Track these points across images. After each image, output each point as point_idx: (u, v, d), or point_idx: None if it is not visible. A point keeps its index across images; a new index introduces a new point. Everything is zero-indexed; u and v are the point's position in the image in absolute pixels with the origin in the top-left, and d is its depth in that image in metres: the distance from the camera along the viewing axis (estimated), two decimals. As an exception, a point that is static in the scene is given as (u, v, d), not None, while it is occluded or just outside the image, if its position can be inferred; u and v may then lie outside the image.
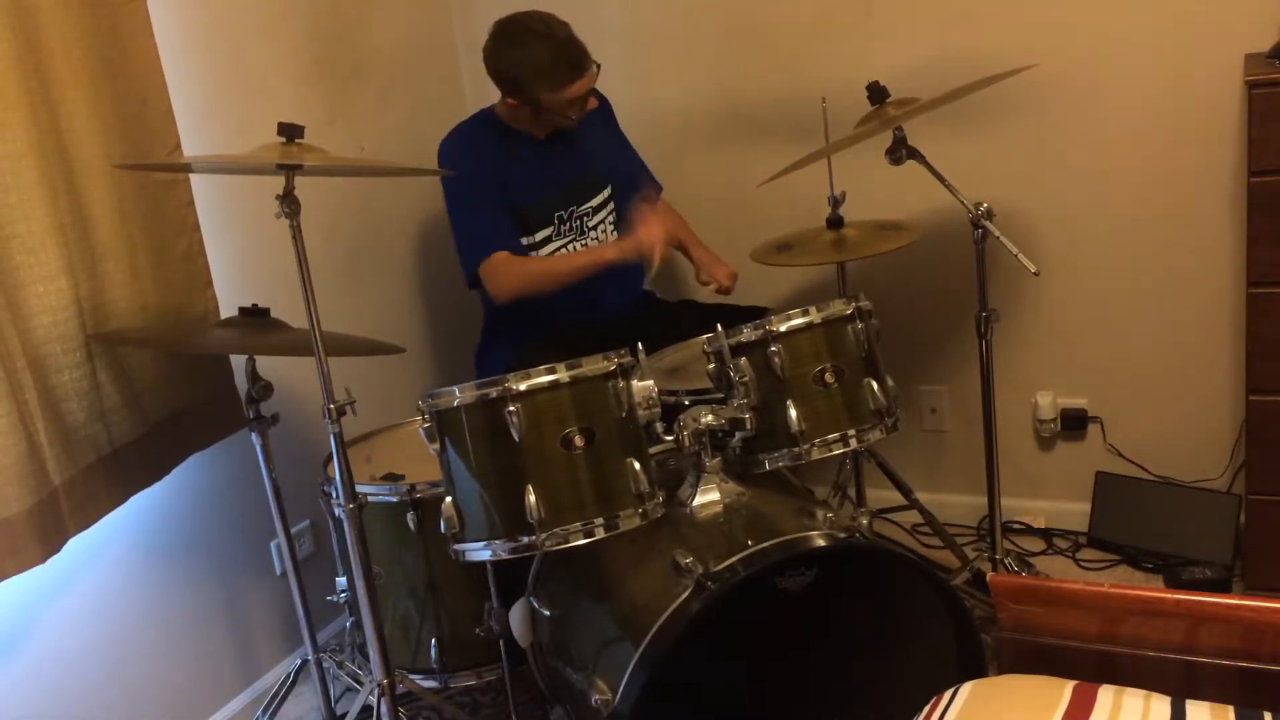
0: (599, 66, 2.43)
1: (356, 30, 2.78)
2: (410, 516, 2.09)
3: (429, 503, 2.08)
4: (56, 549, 1.89)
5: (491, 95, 2.55)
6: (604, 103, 2.72)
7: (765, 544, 1.72)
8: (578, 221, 2.58)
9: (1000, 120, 2.60)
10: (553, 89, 2.36)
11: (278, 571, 2.53)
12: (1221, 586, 2.41)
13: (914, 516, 2.67)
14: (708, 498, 1.89)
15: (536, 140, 2.54)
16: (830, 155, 2.39)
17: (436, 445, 1.77)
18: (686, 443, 1.88)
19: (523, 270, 2.47)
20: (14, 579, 1.83)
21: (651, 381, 1.79)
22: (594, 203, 2.61)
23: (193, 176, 2.22)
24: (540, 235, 2.53)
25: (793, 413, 1.87)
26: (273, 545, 2.50)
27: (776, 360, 1.86)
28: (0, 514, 1.79)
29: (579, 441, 1.71)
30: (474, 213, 2.47)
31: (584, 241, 2.59)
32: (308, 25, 2.61)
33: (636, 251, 2.36)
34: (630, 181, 2.71)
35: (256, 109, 2.45)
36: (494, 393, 1.70)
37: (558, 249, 2.56)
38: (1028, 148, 2.60)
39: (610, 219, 2.65)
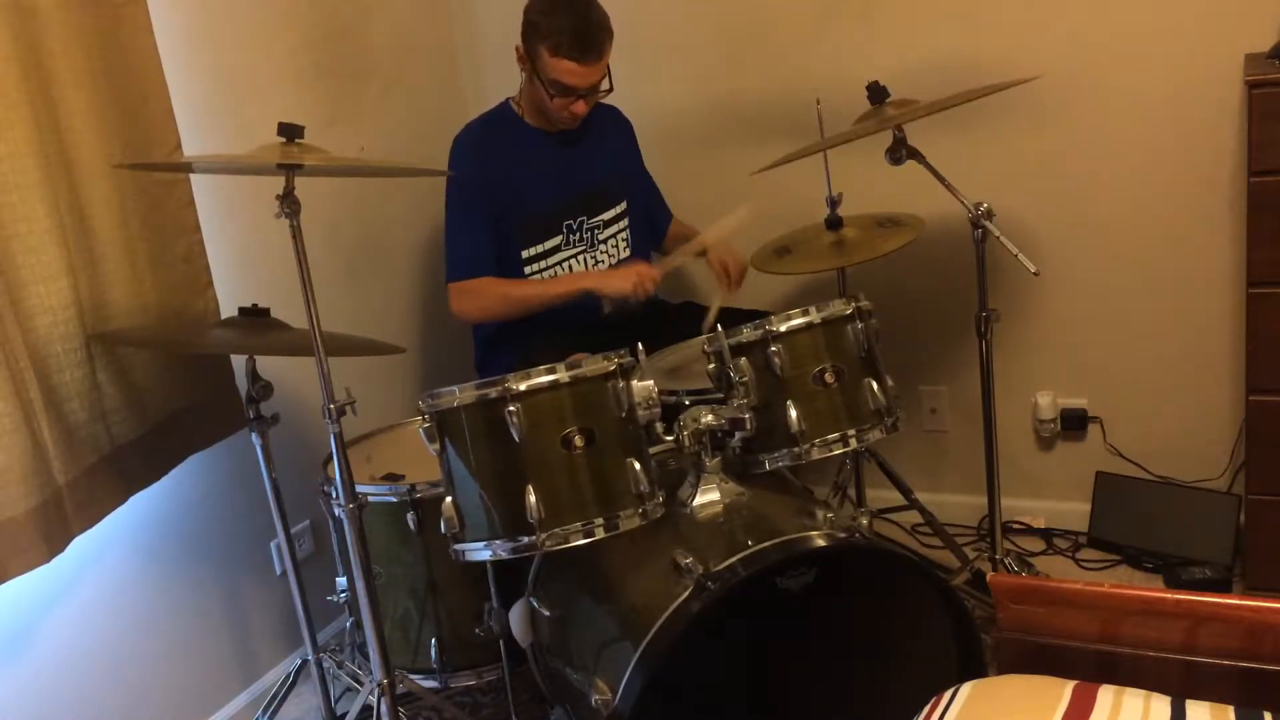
0: (610, 89, 2.41)
1: (356, 30, 2.78)
2: (410, 516, 2.09)
3: (429, 503, 2.08)
4: (61, 548, 1.89)
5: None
6: (627, 124, 2.72)
7: (765, 544, 1.72)
8: (589, 233, 2.56)
9: (1000, 120, 2.60)
10: (551, 51, 2.31)
11: (278, 571, 2.53)
12: (1221, 586, 2.42)
13: (914, 516, 2.67)
14: (708, 498, 1.89)
15: (550, 141, 2.52)
16: (826, 151, 2.38)
17: (436, 446, 1.76)
18: (686, 443, 1.88)
19: (500, 294, 2.45)
20: (14, 580, 1.83)
21: (651, 381, 1.78)
22: (606, 216, 2.59)
23: (193, 176, 2.22)
24: (549, 244, 2.51)
25: (793, 413, 1.87)
26: (273, 545, 2.50)
27: (776, 360, 1.86)
28: (5, 514, 1.80)
29: (579, 441, 1.71)
30: (464, 228, 2.46)
31: (593, 254, 2.58)
32: (308, 25, 2.61)
33: (617, 292, 2.35)
34: (645, 203, 2.69)
35: (256, 109, 2.45)
36: (494, 393, 1.70)
37: (566, 259, 2.54)
38: (1027, 147, 2.60)
39: (624, 236, 2.62)
